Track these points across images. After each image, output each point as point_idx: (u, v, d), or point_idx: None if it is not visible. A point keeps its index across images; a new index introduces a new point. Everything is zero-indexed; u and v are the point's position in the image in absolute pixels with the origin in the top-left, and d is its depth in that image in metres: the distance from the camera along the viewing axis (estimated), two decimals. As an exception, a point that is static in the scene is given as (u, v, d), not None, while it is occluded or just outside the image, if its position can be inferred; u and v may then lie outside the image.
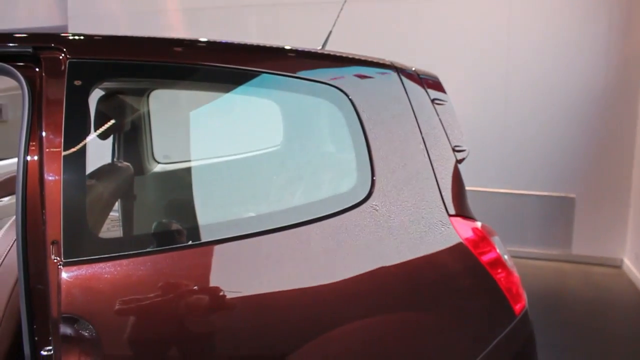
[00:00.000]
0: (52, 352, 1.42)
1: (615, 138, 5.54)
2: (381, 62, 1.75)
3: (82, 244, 1.44)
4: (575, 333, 4.04)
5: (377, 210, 1.58)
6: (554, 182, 5.67)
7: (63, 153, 1.44)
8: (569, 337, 3.96)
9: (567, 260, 5.65)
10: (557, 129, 5.61)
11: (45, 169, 1.43)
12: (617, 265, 5.58)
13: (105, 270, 1.42)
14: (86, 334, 1.39)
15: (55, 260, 1.40)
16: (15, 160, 3.63)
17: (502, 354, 1.69)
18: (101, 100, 2.22)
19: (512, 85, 5.66)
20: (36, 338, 1.46)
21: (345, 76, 1.66)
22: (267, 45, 1.72)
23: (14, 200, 3.28)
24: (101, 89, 2.25)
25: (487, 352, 1.65)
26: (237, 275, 1.51)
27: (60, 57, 1.50)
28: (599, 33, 5.46)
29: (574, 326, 4.19)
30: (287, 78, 1.66)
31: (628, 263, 5.41)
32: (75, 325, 1.38)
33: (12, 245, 1.68)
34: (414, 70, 1.77)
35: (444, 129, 1.72)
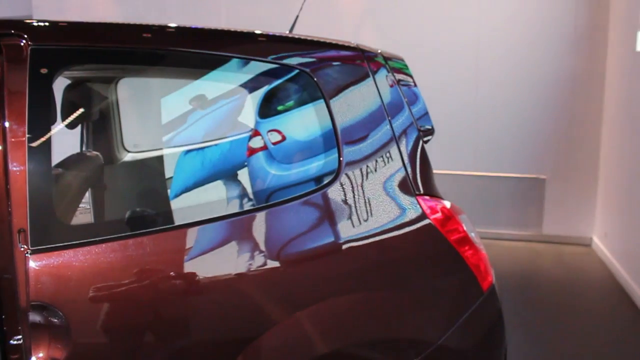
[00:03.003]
0: (21, 341, 1.42)
1: (583, 121, 5.65)
2: (347, 44, 1.76)
3: (50, 232, 1.43)
4: (547, 311, 4.14)
5: (344, 191, 1.60)
6: (525, 164, 5.77)
7: (27, 142, 1.43)
8: (541, 315, 4.05)
9: (539, 240, 5.77)
10: (528, 112, 5.70)
11: (10, 157, 1.42)
12: (587, 244, 5.71)
13: (74, 257, 1.41)
14: (56, 321, 1.39)
15: (23, 249, 1.39)
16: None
17: (471, 330, 1.73)
18: (68, 88, 2.20)
19: (483, 70, 5.73)
20: (5, 328, 1.45)
21: (312, 59, 1.67)
22: (237, 30, 1.72)
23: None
24: (68, 77, 2.23)
25: (455, 328, 1.69)
26: (208, 258, 1.52)
27: (22, 44, 1.48)
28: (567, 20, 5.55)
29: (545, 304, 4.29)
30: (257, 62, 1.67)
31: (597, 241, 5.54)
32: (45, 313, 1.38)
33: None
34: (380, 53, 1.79)
35: (410, 110, 1.74)
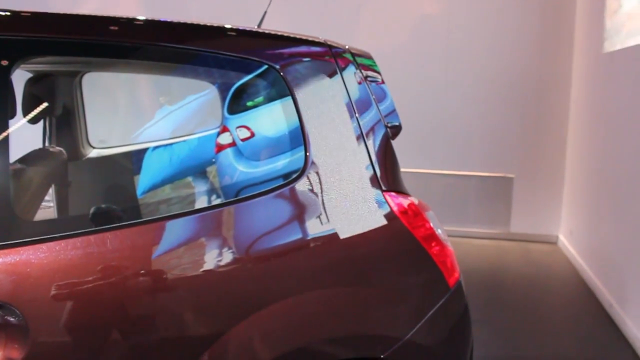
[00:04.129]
0: (-23, 340, 1.38)
1: (549, 121, 5.76)
2: (315, 40, 1.75)
3: (7, 228, 1.39)
4: (513, 308, 4.20)
5: (311, 187, 1.59)
6: (493, 163, 5.85)
7: None
8: (507, 312, 4.12)
9: (507, 238, 5.86)
10: (496, 112, 5.78)
11: None
12: (553, 242, 5.82)
13: (33, 255, 1.37)
14: (13, 320, 1.34)
15: None
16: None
17: (437, 326, 1.74)
18: (30, 82, 2.14)
19: (452, 70, 5.79)
20: None
21: (279, 54, 1.66)
22: (206, 24, 1.70)
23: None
24: (30, 70, 2.17)
25: (422, 324, 1.69)
26: (172, 254, 1.49)
27: None
28: (533, 19, 5.64)
29: (511, 301, 4.36)
30: (226, 57, 1.65)
31: (563, 239, 5.66)
32: (1, 312, 1.34)
33: None
34: (347, 48, 1.78)
35: (377, 106, 1.74)
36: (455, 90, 5.79)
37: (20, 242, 1.37)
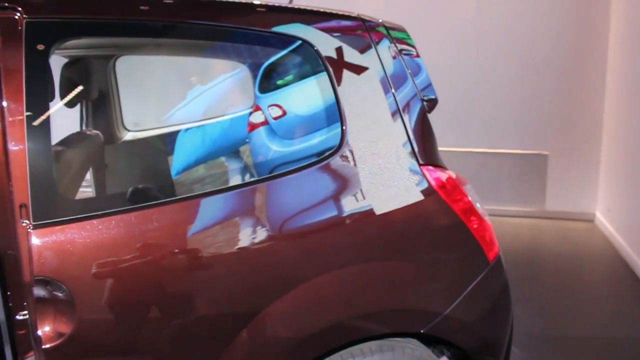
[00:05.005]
0: (27, 316, 1.41)
1: (585, 95, 5.62)
2: (349, 14, 1.73)
3: (52, 207, 1.42)
4: (550, 286, 4.14)
5: (348, 162, 1.59)
6: (527, 140, 5.75)
7: (26, 119, 1.41)
8: (544, 290, 4.06)
9: (542, 216, 5.76)
10: (530, 87, 5.66)
11: (9, 135, 1.40)
12: (590, 220, 5.71)
13: (76, 231, 1.40)
14: (60, 295, 1.38)
15: (25, 224, 1.37)
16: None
17: (477, 301, 1.73)
18: (66, 66, 2.17)
19: (484, 45, 5.67)
20: (10, 303, 1.44)
21: (312, 30, 1.65)
22: (237, 1, 1.69)
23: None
24: (66, 55, 2.20)
25: (462, 298, 1.68)
26: (211, 231, 1.50)
27: (17, 17, 1.45)
28: (568, -10, 5.48)
29: (548, 279, 4.30)
30: (258, 33, 1.64)
31: (600, 217, 5.54)
32: (49, 288, 1.37)
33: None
34: (381, 22, 1.76)
35: (412, 79, 1.72)
36: (488, 66, 5.68)
37: (64, 220, 1.40)
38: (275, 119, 1.92)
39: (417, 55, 1.80)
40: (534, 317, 3.52)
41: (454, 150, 5.63)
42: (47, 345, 1.37)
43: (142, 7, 1.61)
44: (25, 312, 1.42)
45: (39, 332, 1.37)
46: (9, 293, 1.45)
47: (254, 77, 2.11)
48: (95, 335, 1.44)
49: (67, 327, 1.38)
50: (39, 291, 1.37)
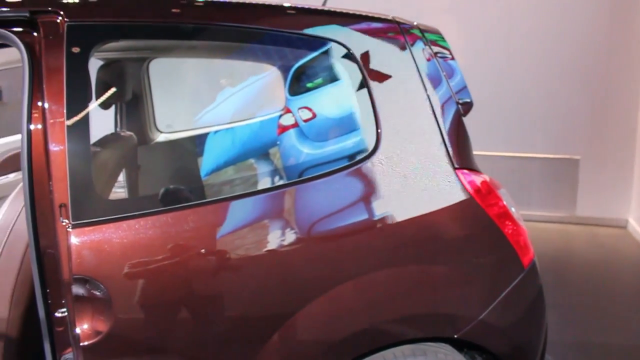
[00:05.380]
0: (65, 313, 1.44)
1: (619, 98, 5.51)
2: (383, 17, 1.73)
3: (90, 207, 1.44)
4: (581, 293, 4.07)
5: (383, 165, 1.58)
6: (558, 144, 5.66)
7: (66, 120, 1.44)
8: (575, 297, 3.99)
9: (572, 222, 5.66)
10: (561, 90, 5.57)
11: (49, 135, 1.43)
12: (622, 226, 5.59)
13: (113, 231, 1.42)
14: (98, 294, 1.40)
15: (64, 223, 1.40)
16: (18, 137, 3.63)
17: (511, 306, 1.70)
18: (101, 69, 2.21)
19: (515, 47, 5.61)
20: (50, 301, 1.47)
21: (347, 32, 1.65)
22: (269, 3, 1.70)
23: (20, 177, 3.29)
24: (101, 58, 2.24)
25: (495, 304, 1.66)
26: (246, 233, 1.51)
27: (58, 21, 1.48)
28: (602, -9, 5.39)
29: (579, 286, 4.22)
30: (291, 35, 1.65)
31: (633, 223, 5.42)
32: (87, 286, 1.40)
33: (20, 212, 1.68)
34: (416, 25, 1.75)
35: (448, 82, 1.70)
36: (518, 67, 5.60)
37: (102, 220, 1.42)
38: (305, 121, 1.92)
39: (452, 58, 1.79)
40: (565, 324, 3.46)
41: (481, 154, 5.55)
42: (85, 343, 1.40)
43: (175, 10, 1.63)
44: (64, 309, 1.45)
45: (78, 330, 1.40)
46: (48, 291, 1.48)
47: (285, 79, 2.11)
48: (131, 335, 1.46)
49: (104, 325, 1.40)
50: (77, 289, 1.39)
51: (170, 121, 2.73)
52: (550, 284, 4.04)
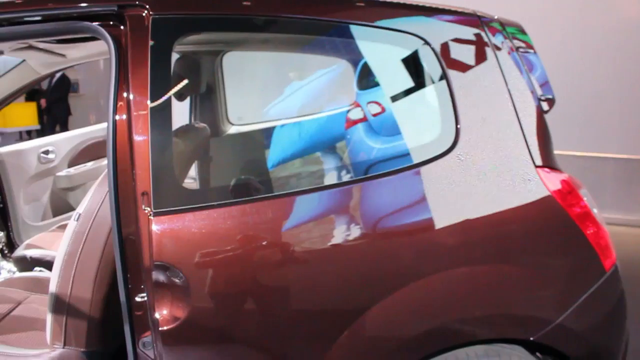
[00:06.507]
0: (145, 298, 1.48)
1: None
2: (463, 10, 1.69)
3: (171, 196, 1.48)
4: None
5: (461, 161, 1.55)
6: (633, 144, 5.40)
7: (150, 110, 1.47)
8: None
9: (648, 225, 5.40)
10: (637, 87, 5.31)
11: (134, 125, 1.47)
12: None
13: (192, 220, 1.45)
14: (177, 281, 1.44)
15: (146, 211, 1.44)
16: (95, 127, 3.78)
17: (591, 312, 1.64)
18: (177, 62, 2.26)
19: (591, 44, 5.38)
20: (130, 285, 1.52)
21: (426, 25, 1.62)
22: None
23: (97, 165, 3.43)
24: (179, 51, 2.29)
25: (575, 308, 1.60)
26: (321, 226, 1.52)
27: (144, 14, 1.53)
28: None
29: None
30: (366, 28, 1.63)
31: None
32: (167, 273, 1.43)
33: (104, 199, 1.75)
34: (497, 19, 1.70)
35: (529, 78, 1.65)
36: (594, 64, 5.38)
37: (183, 208, 1.46)
38: (374, 115, 1.90)
39: (534, 52, 1.73)
40: (635, 335, 3.29)
41: (555, 153, 5.37)
42: (164, 328, 1.44)
43: (251, 3, 1.64)
44: (144, 294, 1.50)
45: (157, 315, 1.44)
46: (128, 276, 1.53)
47: (354, 72, 2.10)
48: (206, 322, 1.49)
49: (182, 312, 1.44)
50: (157, 276, 1.43)
51: (241, 113, 2.78)
52: (626, 292, 3.86)
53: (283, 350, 1.54)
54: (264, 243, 1.50)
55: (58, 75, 9.40)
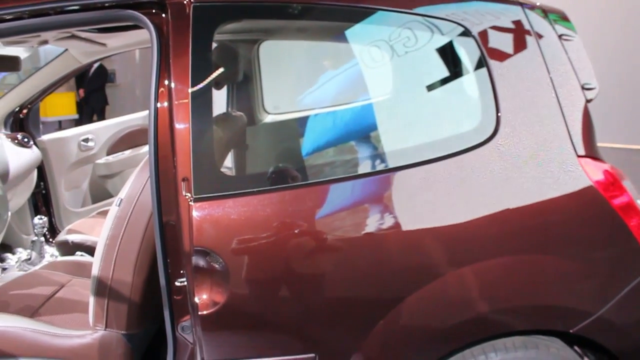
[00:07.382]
0: (184, 282, 1.51)
1: None
2: (504, -3, 1.67)
3: (211, 182, 1.50)
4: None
5: (502, 150, 1.53)
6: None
7: (191, 97, 1.49)
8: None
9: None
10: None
11: (175, 111, 1.50)
12: None
13: (232, 206, 1.47)
14: (217, 266, 1.46)
15: (187, 197, 1.46)
16: (132, 116, 3.85)
17: (634, 305, 1.61)
18: (216, 50, 2.28)
19: (636, 32, 5.22)
20: (170, 270, 1.55)
21: (466, 12, 1.60)
22: None
23: (135, 153, 3.49)
24: (219, 40, 2.31)
25: (617, 300, 1.57)
26: (359, 214, 1.52)
27: (185, 2, 1.54)
28: None
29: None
30: (405, 15, 1.62)
31: None
32: (207, 258, 1.46)
33: (145, 184, 1.78)
34: (540, 6, 1.67)
35: (572, 66, 1.62)
36: (636, 52, 5.21)
37: (222, 195, 1.48)
38: (427, 100, 1.87)
39: (577, 40, 1.69)
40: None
41: (603, 145, 5.21)
42: (203, 312, 1.46)
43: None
44: (183, 279, 1.53)
45: (197, 299, 1.46)
46: (168, 260, 1.56)
47: (403, 57, 2.08)
48: (245, 308, 1.51)
49: (221, 297, 1.46)
50: (197, 261, 1.46)
51: (277, 102, 2.79)
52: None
53: (319, 337, 1.56)
54: (302, 230, 1.51)
55: (96, 65, 9.58)
